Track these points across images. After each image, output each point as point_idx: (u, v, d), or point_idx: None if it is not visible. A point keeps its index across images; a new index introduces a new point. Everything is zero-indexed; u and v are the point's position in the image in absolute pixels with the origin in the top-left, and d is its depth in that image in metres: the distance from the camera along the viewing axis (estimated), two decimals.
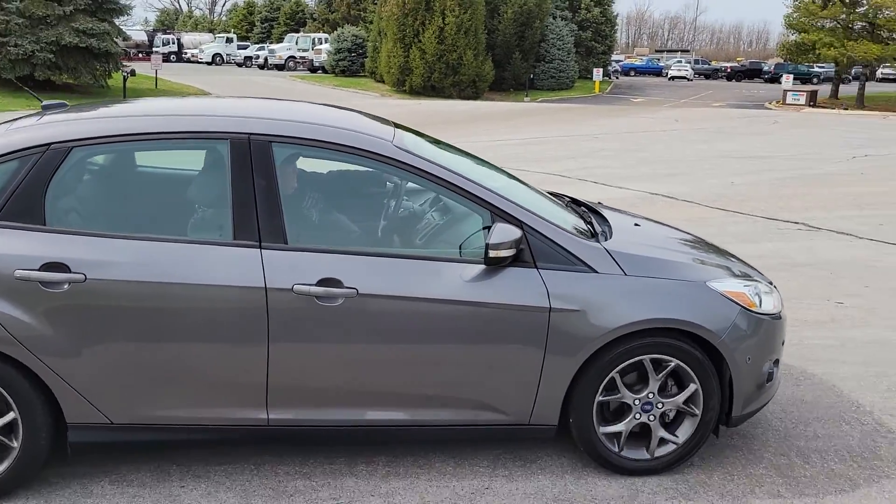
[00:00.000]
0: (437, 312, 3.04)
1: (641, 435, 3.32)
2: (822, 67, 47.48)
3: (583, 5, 45.89)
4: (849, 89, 37.47)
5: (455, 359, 3.10)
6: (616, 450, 3.30)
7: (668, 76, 59.09)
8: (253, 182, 2.97)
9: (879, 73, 54.08)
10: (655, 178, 11.91)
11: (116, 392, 2.94)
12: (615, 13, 49.25)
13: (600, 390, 3.21)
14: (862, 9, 32.91)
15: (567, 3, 44.72)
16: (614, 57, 62.12)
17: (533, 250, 3.10)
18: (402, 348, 3.06)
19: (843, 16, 32.84)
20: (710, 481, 3.33)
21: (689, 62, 66.26)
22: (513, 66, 37.49)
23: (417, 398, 3.15)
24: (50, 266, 2.81)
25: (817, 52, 32.40)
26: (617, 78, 55.54)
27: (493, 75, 35.75)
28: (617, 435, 3.30)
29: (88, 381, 2.90)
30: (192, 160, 3.45)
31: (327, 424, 3.14)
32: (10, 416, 2.88)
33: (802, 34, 33.44)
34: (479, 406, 3.18)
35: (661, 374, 3.23)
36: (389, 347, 3.05)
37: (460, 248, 3.12)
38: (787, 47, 35.64)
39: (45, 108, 3.38)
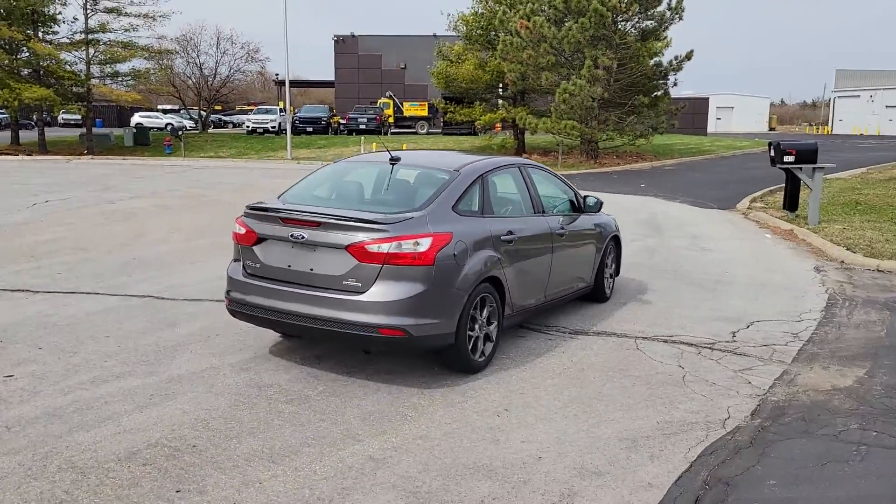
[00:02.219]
0: (580, 237, 7.19)
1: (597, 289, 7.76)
2: (3, 114, 45.36)
3: None
4: (33, 135, 36.67)
5: (579, 257, 7.19)
6: (608, 291, 7.90)
7: None
8: (531, 185, 6.67)
9: (61, 118, 55.20)
10: None
11: (515, 292, 5.91)
12: None
13: (606, 264, 7.82)
14: (25, 55, 32.45)
15: None
16: None
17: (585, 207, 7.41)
18: (572, 254, 7.00)
19: (7, 61, 31.77)
20: None
21: None
22: None
23: (571, 279, 7.05)
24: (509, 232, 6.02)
25: None
26: None
27: None
28: (608, 284, 7.95)
29: (513, 287, 5.87)
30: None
31: (549, 302, 6.66)
32: (494, 323, 5.67)
33: None
34: (580, 280, 7.27)
35: (612, 254, 8.02)
36: (571, 254, 6.99)
37: (564, 210, 7.20)
38: None
39: (394, 160, 5.96)
